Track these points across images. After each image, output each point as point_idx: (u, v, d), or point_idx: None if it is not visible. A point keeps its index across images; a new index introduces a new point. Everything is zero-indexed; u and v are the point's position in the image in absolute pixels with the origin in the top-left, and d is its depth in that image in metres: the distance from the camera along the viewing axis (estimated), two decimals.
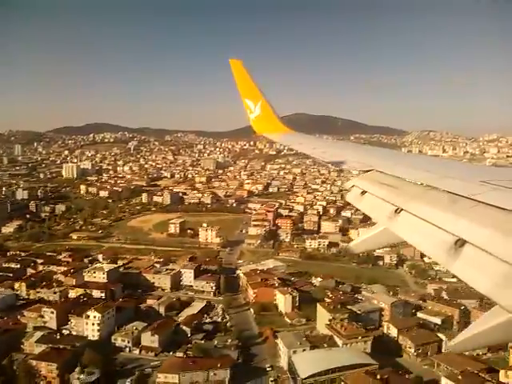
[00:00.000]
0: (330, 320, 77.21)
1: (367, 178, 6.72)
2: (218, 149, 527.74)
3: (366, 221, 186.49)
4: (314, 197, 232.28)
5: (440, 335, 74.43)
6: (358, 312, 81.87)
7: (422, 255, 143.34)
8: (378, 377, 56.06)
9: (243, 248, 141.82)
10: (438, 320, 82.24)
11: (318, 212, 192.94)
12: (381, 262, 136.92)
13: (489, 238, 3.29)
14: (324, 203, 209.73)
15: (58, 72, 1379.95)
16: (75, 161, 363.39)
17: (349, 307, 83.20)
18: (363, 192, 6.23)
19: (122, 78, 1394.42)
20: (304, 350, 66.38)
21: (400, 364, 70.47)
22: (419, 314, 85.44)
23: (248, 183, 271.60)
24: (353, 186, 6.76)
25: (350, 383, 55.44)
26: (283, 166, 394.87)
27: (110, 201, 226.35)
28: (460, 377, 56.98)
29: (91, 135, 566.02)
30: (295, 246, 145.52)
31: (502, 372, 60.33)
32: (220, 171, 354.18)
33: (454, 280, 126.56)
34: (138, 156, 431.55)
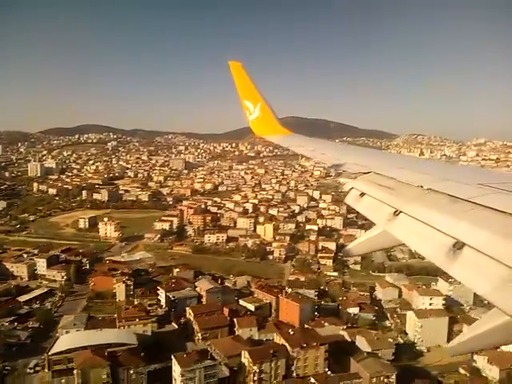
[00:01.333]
0: (136, 306, 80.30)
1: (366, 180, 6.74)
2: (199, 150, 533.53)
3: (290, 218, 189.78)
4: (256, 196, 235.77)
5: (235, 320, 76.76)
6: (173, 298, 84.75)
7: (317, 250, 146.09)
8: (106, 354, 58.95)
9: (142, 242, 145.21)
10: (252, 307, 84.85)
11: (245, 210, 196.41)
12: (271, 257, 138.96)
13: (487, 241, 3.30)
14: (256, 201, 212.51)
15: (51, 73, 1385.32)
16: (50, 160, 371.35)
17: (167, 294, 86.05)
18: (362, 194, 6.23)
19: (117, 80, 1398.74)
20: (78, 331, 69.53)
21: (185, 347, 73.20)
22: (241, 301, 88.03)
23: (199, 182, 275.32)
24: (352, 188, 6.70)
25: (77, 359, 58.33)
26: (251, 166, 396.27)
27: (57, 198, 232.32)
28: (185, 355, 59.76)
29: (76, 136, 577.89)
30: (195, 240, 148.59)
31: (242, 352, 62.76)
32: (185, 171, 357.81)
33: (336, 274, 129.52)
34: (113, 156, 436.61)
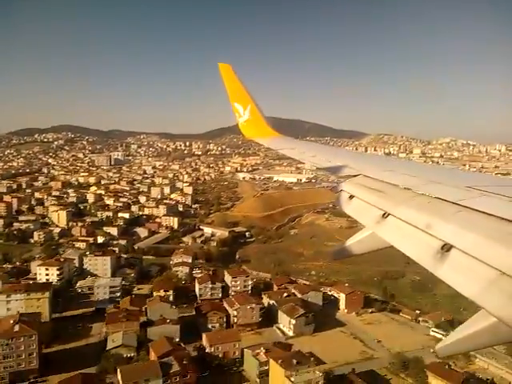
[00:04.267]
0: None
1: (355, 183, 6.80)
2: (151, 149, 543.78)
3: (124, 207, 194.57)
4: (123, 188, 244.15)
5: None
6: None
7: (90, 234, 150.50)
8: None
9: None
10: None
11: (85, 200, 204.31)
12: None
13: (475, 243, 3.37)
14: (103, 192, 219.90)
15: (29, 73, 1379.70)
16: None
17: None
18: (351, 196, 6.27)
19: (99, 80, 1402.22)
20: None
21: None
22: None
23: (83, 176, 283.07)
24: (341, 191, 6.76)
25: None
26: (178, 163, 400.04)
27: None
28: None
29: (36, 135, 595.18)
30: None
31: None
32: (104, 167, 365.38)
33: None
34: (51, 154, 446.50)
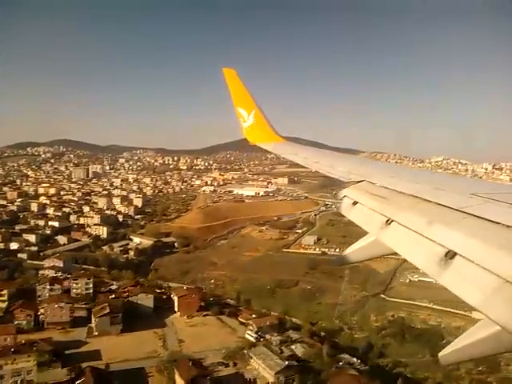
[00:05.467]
0: None
1: (358, 189, 6.78)
2: (138, 163, 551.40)
3: (63, 217, 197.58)
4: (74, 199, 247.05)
5: None
6: None
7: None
8: None
9: None
10: None
11: (26, 208, 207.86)
12: None
13: (479, 251, 3.32)
14: (48, 201, 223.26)
15: (33, 85, 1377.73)
16: None
17: None
18: (354, 202, 6.24)
19: (100, 95, 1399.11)
20: None
21: None
22: None
23: (44, 187, 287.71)
24: (344, 197, 6.73)
25: None
26: (153, 177, 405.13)
27: None
28: None
29: (28, 149, 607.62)
30: None
31: None
32: (75, 180, 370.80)
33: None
34: (33, 166, 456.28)
